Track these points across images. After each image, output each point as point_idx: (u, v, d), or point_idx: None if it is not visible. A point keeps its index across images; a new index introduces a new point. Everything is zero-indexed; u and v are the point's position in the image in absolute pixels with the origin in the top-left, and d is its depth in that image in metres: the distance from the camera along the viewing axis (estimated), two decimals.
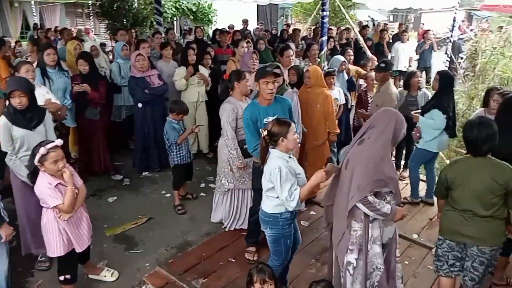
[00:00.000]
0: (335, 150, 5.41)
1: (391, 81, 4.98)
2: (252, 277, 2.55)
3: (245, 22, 12.81)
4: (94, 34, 14.67)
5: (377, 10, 18.93)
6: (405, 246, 3.88)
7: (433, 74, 5.15)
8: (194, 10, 15.66)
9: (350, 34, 9.34)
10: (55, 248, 2.91)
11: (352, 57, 6.37)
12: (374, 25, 14.00)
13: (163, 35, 7.68)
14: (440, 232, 2.90)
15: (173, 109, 4.45)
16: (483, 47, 8.34)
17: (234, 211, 4.11)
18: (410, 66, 9.56)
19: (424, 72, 9.89)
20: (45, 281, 3.40)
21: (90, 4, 13.87)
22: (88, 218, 3.14)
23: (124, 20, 10.15)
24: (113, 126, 5.86)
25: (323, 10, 6.58)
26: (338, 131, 4.89)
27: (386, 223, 2.56)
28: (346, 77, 5.82)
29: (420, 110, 4.49)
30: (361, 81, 6.08)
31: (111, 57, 7.95)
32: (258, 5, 16.71)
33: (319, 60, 6.20)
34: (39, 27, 13.39)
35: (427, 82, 9.02)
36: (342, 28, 9.97)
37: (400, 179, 5.08)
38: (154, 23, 8.95)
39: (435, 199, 4.72)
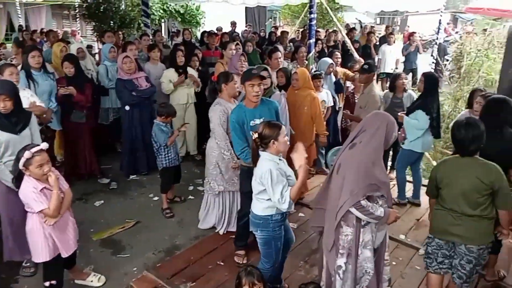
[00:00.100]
0: (323, 152, 5.44)
1: (375, 82, 5.03)
2: (241, 280, 2.54)
3: (233, 24, 12.81)
4: (81, 36, 14.52)
5: (364, 13, 19.08)
6: (393, 247, 3.90)
7: (419, 75, 5.23)
8: (182, 12, 15.62)
9: (337, 37, 9.41)
10: (40, 253, 2.87)
11: (339, 60, 6.42)
12: (361, 27, 14.12)
13: (151, 37, 7.64)
14: (430, 231, 2.95)
15: (161, 112, 4.42)
16: (468, 49, 8.48)
17: (226, 214, 4.09)
18: (397, 68, 9.66)
19: (410, 73, 10.02)
20: (30, 287, 3.33)
21: (76, 5, 13.72)
22: (74, 223, 3.10)
23: (111, 22, 10.06)
24: (100, 129, 5.81)
25: (310, 13, 6.62)
26: (327, 132, 4.93)
27: (379, 228, 2.56)
28: (333, 79, 5.87)
29: (405, 111, 4.56)
30: (349, 83, 6.12)
31: (98, 59, 7.88)
32: (246, 7, 16.72)
33: (307, 62, 6.23)
34: (24, 29, 13.19)
35: (413, 83, 9.12)
36: (330, 30, 10.03)
37: None
38: (142, 25, 8.88)
39: (421, 199, 4.80)
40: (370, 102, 4.71)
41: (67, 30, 13.33)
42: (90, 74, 5.69)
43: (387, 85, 8.30)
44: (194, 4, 15.04)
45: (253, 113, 3.28)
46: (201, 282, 3.40)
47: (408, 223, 4.42)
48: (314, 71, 5.63)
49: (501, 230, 2.85)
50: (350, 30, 10.37)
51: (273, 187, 2.61)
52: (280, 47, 6.40)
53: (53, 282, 2.98)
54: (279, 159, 2.74)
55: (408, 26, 18.43)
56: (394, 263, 3.64)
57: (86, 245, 3.86)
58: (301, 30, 11.54)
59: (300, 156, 2.64)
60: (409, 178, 4.97)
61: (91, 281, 3.36)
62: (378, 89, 4.99)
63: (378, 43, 10.14)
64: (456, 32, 13.62)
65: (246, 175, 3.46)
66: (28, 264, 3.46)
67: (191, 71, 5.80)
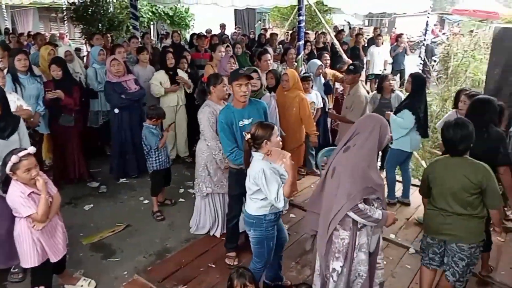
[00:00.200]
0: (313, 152, 5.47)
1: (361, 83, 5.08)
2: (232, 281, 2.54)
3: (223, 26, 12.80)
4: (69, 39, 14.38)
5: (352, 15, 19.23)
6: (383, 246, 3.92)
7: (406, 76, 5.30)
8: (171, 14, 15.55)
9: (326, 38, 9.47)
10: (28, 258, 2.83)
11: (328, 61, 6.46)
12: (350, 28, 14.23)
13: (140, 40, 7.60)
14: (424, 230, 3.06)
15: (151, 115, 4.39)
16: (455, 50, 8.61)
17: (219, 216, 4.07)
18: (385, 69, 9.76)
19: (398, 74, 10.13)
20: None
21: (64, 8, 13.58)
22: (63, 227, 3.07)
23: (100, 25, 9.98)
24: (89, 132, 5.76)
25: (299, 15, 6.66)
26: (317, 132, 4.95)
27: (374, 231, 2.57)
28: (323, 80, 5.90)
29: (393, 112, 4.62)
30: (338, 85, 6.16)
31: (86, 62, 7.81)
32: (235, 10, 16.70)
33: (296, 64, 6.26)
34: (10, 31, 13.02)
35: (401, 84, 9.21)
36: (319, 32, 10.09)
37: None
38: (130, 27, 8.83)
39: (411, 199, 4.85)
40: (356, 102, 4.77)
41: (54, 33, 13.19)
42: (78, 77, 5.64)
43: (376, 86, 8.40)
44: (183, 6, 14.96)
45: (241, 113, 3.28)
46: (192, 285, 3.38)
47: (398, 223, 4.42)
48: (303, 73, 5.66)
49: (494, 228, 2.95)
50: (338, 32, 10.45)
51: (268, 186, 2.63)
52: (270, 49, 6.42)
53: (42, 287, 2.94)
54: None
55: (395, 28, 18.63)
56: (385, 262, 3.64)
57: (76, 250, 3.82)
58: (290, 32, 11.57)
59: (280, 155, 2.62)
60: (398, 178, 5.01)
61: (81, 286, 3.32)
62: (363, 90, 5.03)
63: (366, 45, 10.23)
64: (443, 34, 13.82)
65: (234, 177, 3.47)
66: (16, 270, 3.41)
67: (181, 73, 5.79)
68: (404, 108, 4.42)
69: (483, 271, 3.52)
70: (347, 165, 2.47)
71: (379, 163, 5.58)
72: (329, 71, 6.22)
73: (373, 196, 2.49)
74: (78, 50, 9.26)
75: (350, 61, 7.03)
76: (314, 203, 2.78)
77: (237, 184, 3.45)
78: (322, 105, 5.46)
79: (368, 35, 13.07)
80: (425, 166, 5.82)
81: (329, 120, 5.91)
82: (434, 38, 12.43)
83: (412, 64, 10.36)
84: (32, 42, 9.12)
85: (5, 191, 2.77)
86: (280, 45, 9.33)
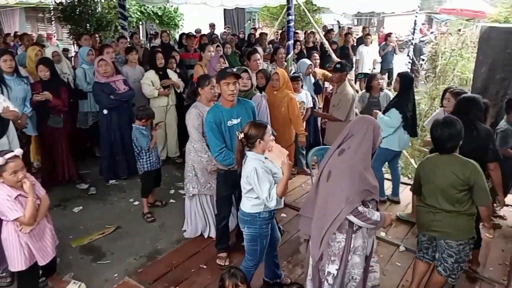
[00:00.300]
0: (304, 152, 5.48)
1: (347, 82, 5.11)
2: (224, 282, 2.53)
3: (212, 26, 12.77)
4: (57, 40, 14.22)
5: (341, 14, 19.36)
6: (376, 247, 3.94)
7: (395, 75, 5.34)
8: (160, 14, 15.45)
9: (316, 38, 9.49)
10: (16, 262, 2.80)
11: (318, 61, 6.47)
12: (339, 28, 14.30)
13: (128, 40, 7.55)
14: (417, 227, 3.14)
15: (141, 116, 4.35)
16: (443, 49, 8.71)
17: (209, 217, 4.05)
18: (374, 68, 9.82)
19: (387, 74, 10.20)
20: None
21: (51, 8, 13.41)
22: (52, 229, 3.03)
23: (88, 25, 9.89)
24: (78, 133, 5.71)
25: (288, 14, 6.66)
26: (306, 132, 4.96)
27: (370, 234, 2.56)
28: (312, 80, 5.92)
29: (382, 111, 4.65)
30: (327, 84, 6.18)
31: (74, 62, 7.72)
32: (224, 9, 16.66)
33: (286, 63, 6.27)
34: None
35: (390, 83, 9.29)
36: (309, 32, 10.12)
37: None
38: (119, 27, 8.75)
39: (400, 197, 4.89)
40: (343, 100, 4.80)
41: (41, 34, 13.03)
42: (66, 78, 5.58)
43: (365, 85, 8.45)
44: (172, 6, 14.89)
45: (230, 113, 3.27)
46: (184, 286, 3.37)
47: None
48: (293, 73, 5.67)
49: (484, 224, 3.04)
50: (328, 32, 10.49)
51: (260, 185, 2.64)
52: (259, 49, 6.42)
53: None
54: (265, 157, 2.75)
55: (384, 28, 18.76)
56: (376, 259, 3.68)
57: (65, 252, 3.78)
58: (280, 31, 11.60)
59: (280, 154, 2.64)
60: (388, 176, 5.04)
61: None
62: (350, 88, 5.06)
63: (355, 44, 10.29)
64: (431, 33, 13.95)
65: (223, 179, 3.45)
66: (4, 274, 3.35)
67: (171, 73, 5.76)
68: (392, 107, 4.45)
69: (474, 266, 3.57)
70: (344, 168, 2.46)
71: None
72: (318, 71, 6.23)
73: (369, 197, 2.49)
74: (66, 50, 9.14)
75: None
76: (308, 208, 2.73)
77: (225, 185, 3.43)
78: (312, 105, 5.47)
79: (357, 35, 13.14)
80: (414, 164, 5.87)
81: (319, 119, 5.93)
82: (422, 37, 12.55)
83: (400, 63, 10.45)
84: (19, 43, 9.00)
85: None
86: (270, 45, 9.35)
